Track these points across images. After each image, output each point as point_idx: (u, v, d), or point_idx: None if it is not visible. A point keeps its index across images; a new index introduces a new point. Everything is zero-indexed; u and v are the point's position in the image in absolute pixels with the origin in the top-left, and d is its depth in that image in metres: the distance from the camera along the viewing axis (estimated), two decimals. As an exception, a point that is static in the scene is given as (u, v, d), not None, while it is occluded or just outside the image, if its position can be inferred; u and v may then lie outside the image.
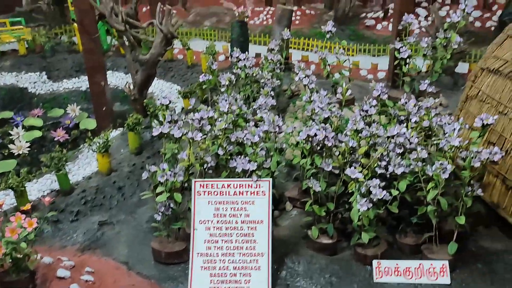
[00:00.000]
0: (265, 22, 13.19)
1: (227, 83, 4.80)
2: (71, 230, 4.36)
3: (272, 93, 4.94)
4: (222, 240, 3.68)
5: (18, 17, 10.96)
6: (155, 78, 9.11)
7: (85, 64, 6.56)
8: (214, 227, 3.70)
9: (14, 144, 6.82)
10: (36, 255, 3.46)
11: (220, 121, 4.05)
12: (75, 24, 10.27)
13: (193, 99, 4.32)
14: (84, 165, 5.86)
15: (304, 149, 3.87)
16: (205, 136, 3.72)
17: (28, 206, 3.55)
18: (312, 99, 4.60)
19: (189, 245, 3.72)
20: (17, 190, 4.34)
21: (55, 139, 7.17)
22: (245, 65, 5.57)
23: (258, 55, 8.97)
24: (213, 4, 15.75)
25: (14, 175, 4.42)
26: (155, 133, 3.67)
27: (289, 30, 6.71)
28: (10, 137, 7.21)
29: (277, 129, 3.99)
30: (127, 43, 5.36)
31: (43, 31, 10.36)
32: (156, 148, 5.67)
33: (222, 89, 4.84)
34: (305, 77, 4.87)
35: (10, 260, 3.30)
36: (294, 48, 10.43)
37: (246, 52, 5.80)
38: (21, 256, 3.31)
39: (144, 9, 14.84)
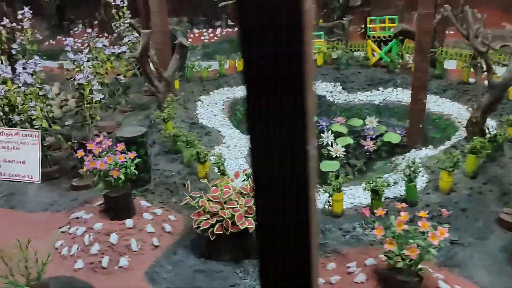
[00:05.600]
0: None
1: None
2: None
3: None
4: None
5: (320, 31, 12.17)
6: (449, 100, 8.96)
7: (412, 81, 6.81)
8: None
9: (331, 147, 7.55)
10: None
11: None
12: (370, 40, 10.86)
13: None
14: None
15: None
16: None
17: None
18: None
19: None
20: (379, 193, 4.72)
21: (364, 147, 7.66)
22: None
23: None
24: (495, 27, 14.58)
25: (380, 181, 4.80)
26: None
27: None
28: (321, 140, 8.00)
29: None
30: (481, 65, 5.32)
31: (340, 45, 11.23)
32: (489, 174, 5.46)
33: None
34: None
35: (401, 260, 3.59)
36: None
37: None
38: (413, 261, 3.56)
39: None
